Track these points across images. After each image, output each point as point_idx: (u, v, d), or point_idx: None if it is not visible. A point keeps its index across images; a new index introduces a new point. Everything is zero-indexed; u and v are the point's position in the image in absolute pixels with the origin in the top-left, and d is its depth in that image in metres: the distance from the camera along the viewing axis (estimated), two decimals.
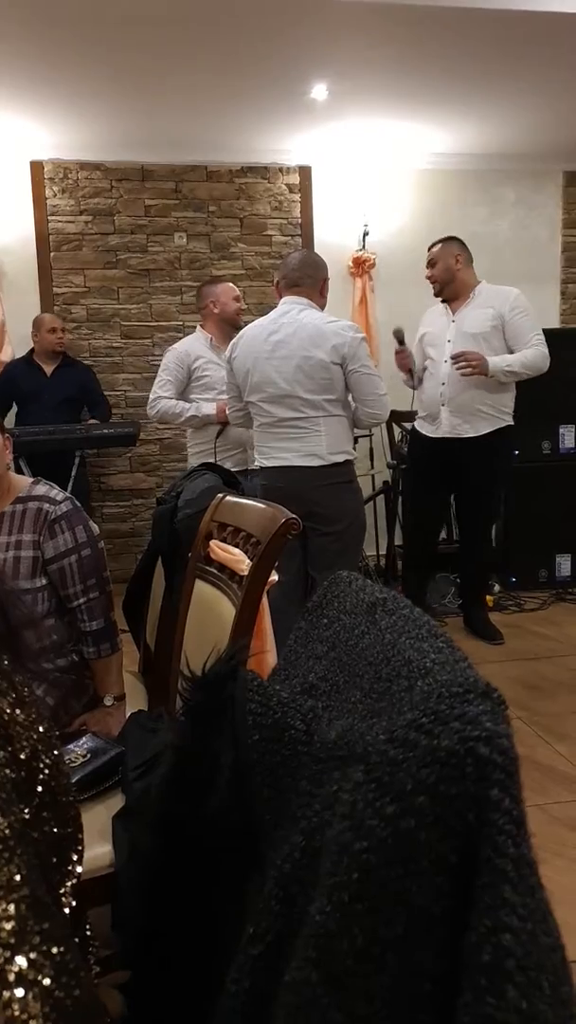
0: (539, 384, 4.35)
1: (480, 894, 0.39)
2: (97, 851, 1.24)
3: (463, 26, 3.42)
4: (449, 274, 3.49)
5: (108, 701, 1.74)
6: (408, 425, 3.99)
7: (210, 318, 3.48)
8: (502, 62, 3.81)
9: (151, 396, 3.43)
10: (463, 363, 3.28)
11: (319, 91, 4.06)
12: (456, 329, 3.47)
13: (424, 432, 3.65)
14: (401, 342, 3.64)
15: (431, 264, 3.55)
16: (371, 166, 5.10)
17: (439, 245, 3.55)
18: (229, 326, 3.37)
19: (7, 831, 0.40)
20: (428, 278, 3.58)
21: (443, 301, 3.59)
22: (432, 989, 0.40)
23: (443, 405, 3.48)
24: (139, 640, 2.24)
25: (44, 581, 1.69)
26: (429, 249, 3.60)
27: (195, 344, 3.45)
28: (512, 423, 3.55)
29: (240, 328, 2.93)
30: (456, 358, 3.32)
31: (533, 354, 3.37)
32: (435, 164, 5.18)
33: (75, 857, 0.62)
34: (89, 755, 1.43)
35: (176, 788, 0.68)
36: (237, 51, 3.60)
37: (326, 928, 0.43)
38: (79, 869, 0.62)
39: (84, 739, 1.49)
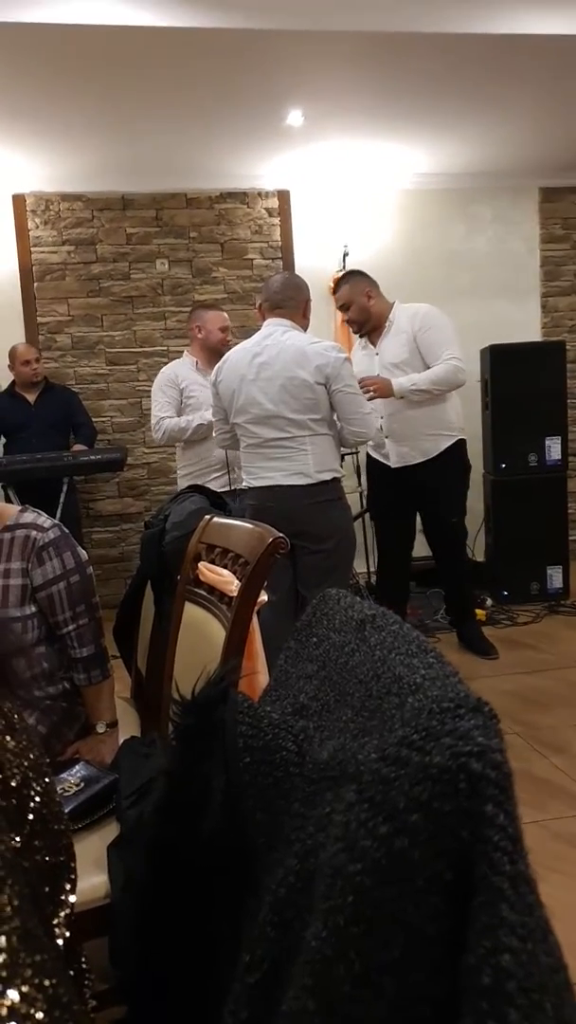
0: (524, 397, 4.41)
1: (477, 913, 0.38)
2: (92, 881, 1.21)
3: (435, 50, 3.49)
4: (365, 313, 3.39)
5: (100, 728, 1.72)
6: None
7: (195, 342, 3.52)
8: (476, 83, 3.87)
9: (153, 421, 3.45)
10: (364, 390, 3.07)
11: (295, 117, 4.12)
12: (380, 363, 3.40)
13: (375, 456, 3.63)
14: None
15: (345, 307, 3.43)
16: (349, 187, 5.16)
17: (345, 286, 3.41)
18: (212, 353, 3.39)
19: None
20: (346, 322, 3.50)
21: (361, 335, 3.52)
22: (432, 1014, 0.39)
23: (387, 438, 3.47)
24: (130, 665, 2.22)
25: (33, 609, 1.67)
26: (334, 290, 3.49)
27: (181, 367, 3.51)
28: (462, 437, 3.51)
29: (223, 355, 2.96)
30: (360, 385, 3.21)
31: (444, 369, 3.25)
32: (413, 184, 5.25)
33: (68, 887, 0.61)
34: (83, 783, 1.41)
35: (168, 813, 0.67)
36: (212, 81, 3.65)
37: (322, 954, 0.42)
38: (72, 899, 0.61)
39: (77, 767, 1.47)
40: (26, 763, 0.55)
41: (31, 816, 0.54)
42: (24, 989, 0.34)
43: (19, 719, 0.60)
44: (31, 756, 0.57)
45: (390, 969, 0.40)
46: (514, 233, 5.46)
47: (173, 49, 3.33)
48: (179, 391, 3.42)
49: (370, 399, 3.09)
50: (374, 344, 3.46)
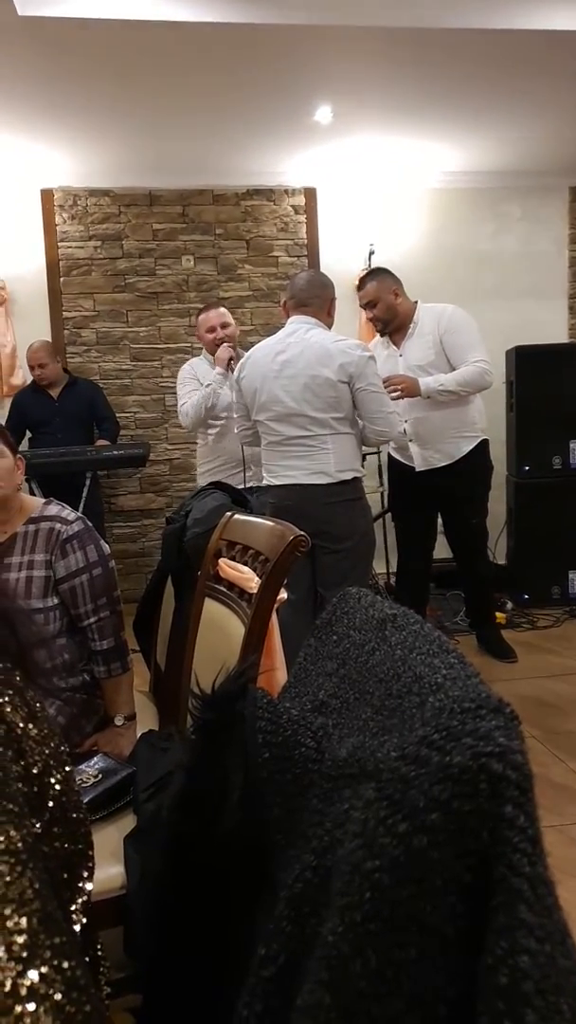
0: (549, 399, 4.37)
1: (495, 914, 0.38)
2: (109, 872, 1.22)
3: (466, 46, 3.46)
4: (391, 311, 3.35)
5: (119, 721, 1.73)
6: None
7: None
8: (508, 80, 3.84)
9: (180, 407, 3.46)
10: (391, 388, 3.08)
11: (323, 113, 4.10)
12: (404, 364, 3.36)
13: (397, 457, 3.59)
14: None
15: (371, 305, 3.38)
16: (376, 185, 5.14)
17: (372, 283, 3.36)
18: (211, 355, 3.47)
19: (20, 844, 0.39)
20: (370, 319, 3.44)
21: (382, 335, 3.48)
22: (448, 1013, 0.39)
23: (411, 441, 3.44)
24: (149, 659, 2.23)
25: (56, 600, 1.69)
26: (360, 287, 3.44)
27: (199, 365, 3.56)
28: (485, 437, 3.48)
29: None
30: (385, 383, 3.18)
31: (472, 372, 3.22)
32: (441, 183, 5.21)
33: (85, 874, 0.61)
34: (100, 775, 1.43)
35: (186, 806, 0.67)
36: (241, 77, 3.65)
37: (339, 949, 0.42)
38: (89, 886, 0.62)
39: (95, 759, 1.48)
40: (47, 751, 0.56)
41: (51, 803, 0.55)
42: (43, 970, 0.35)
43: (40, 708, 0.61)
44: (52, 744, 0.58)
45: (406, 967, 0.40)
46: (543, 233, 5.41)
47: (202, 45, 3.33)
48: (200, 385, 3.45)
49: (396, 398, 3.08)
50: (397, 345, 3.43)
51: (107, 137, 4.30)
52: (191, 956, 0.68)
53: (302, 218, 5.16)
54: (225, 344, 3.39)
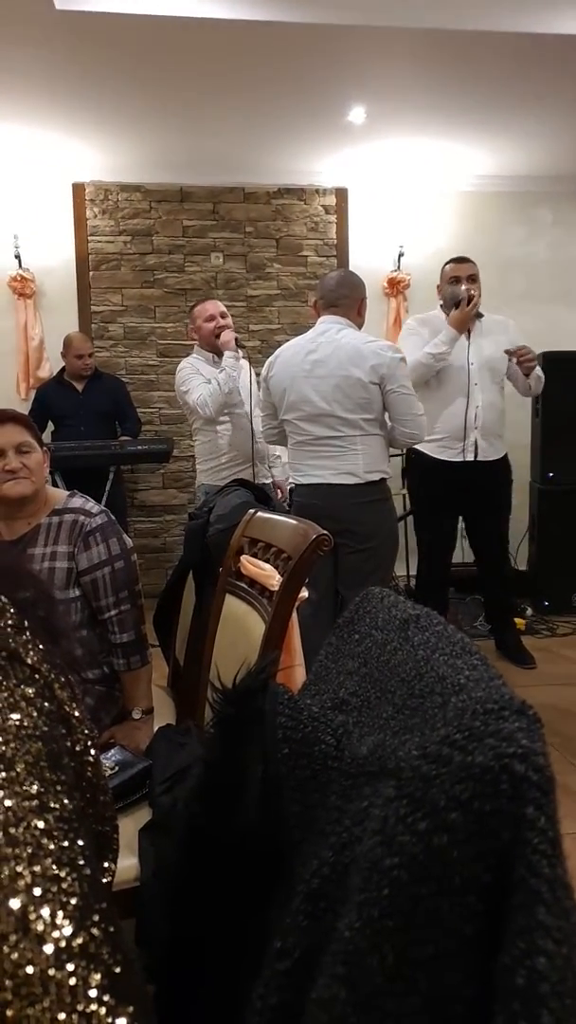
0: (573, 406, 4.34)
1: (513, 915, 0.38)
2: (123, 864, 1.23)
3: (502, 49, 3.44)
4: (481, 293, 3.43)
5: (136, 714, 1.74)
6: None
7: (199, 341, 3.47)
8: (542, 84, 3.82)
9: (193, 400, 3.29)
10: (528, 356, 3.31)
11: (357, 114, 4.10)
12: (476, 352, 3.39)
13: (439, 456, 3.48)
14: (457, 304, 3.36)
15: (473, 279, 3.40)
16: (407, 187, 5.13)
17: (470, 262, 3.45)
18: (213, 345, 3.35)
19: (72, 813, 0.41)
20: (471, 295, 3.33)
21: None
22: (463, 1012, 0.39)
23: (476, 429, 3.43)
24: (168, 654, 2.24)
25: (77, 592, 1.71)
26: (463, 262, 3.45)
27: (198, 363, 3.42)
28: None
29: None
30: (515, 354, 3.35)
31: (542, 377, 3.47)
32: (473, 186, 5.19)
33: (110, 855, 0.63)
34: (117, 767, 1.44)
35: (204, 799, 0.68)
36: (275, 75, 3.66)
37: (356, 945, 0.42)
38: (114, 867, 0.63)
39: (112, 751, 1.49)
40: (86, 731, 0.58)
41: (84, 783, 0.56)
42: (94, 931, 0.36)
43: (78, 692, 0.62)
44: (87, 727, 0.60)
45: (423, 965, 0.40)
46: (574, 239, 5.37)
47: (237, 43, 3.34)
48: (205, 379, 3.35)
49: (529, 368, 3.34)
50: (465, 333, 3.38)
51: (140, 133, 4.33)
52: (205, 948, 0.68)
53: (332, 218, 5.16)
54: (227, 329, 3.34)
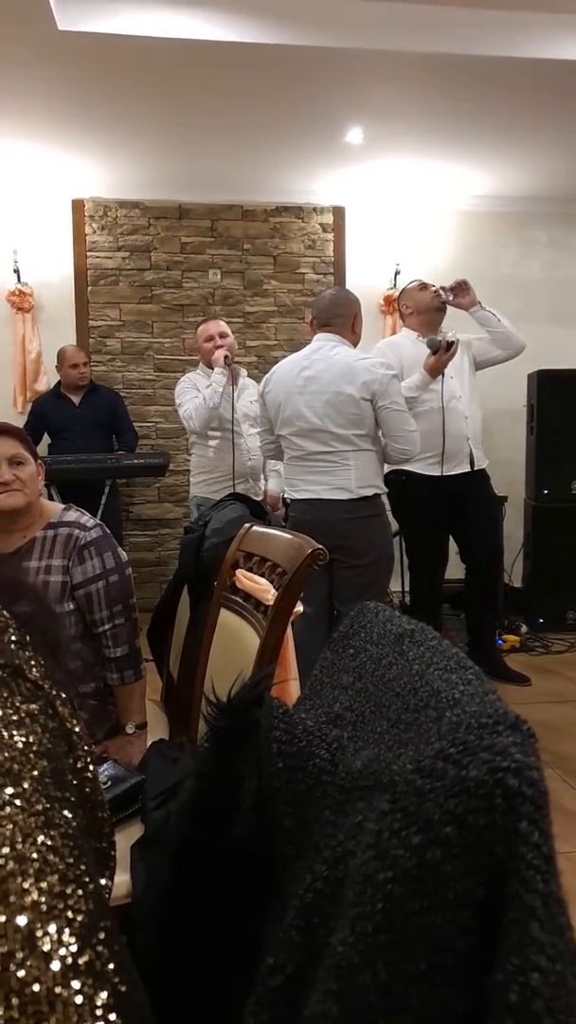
0: (571, 423, 4.36)
1: (507, 931, 0.38)
2: (116, 880, 1.22)
3: (498, 73, 3.49)
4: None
5: (130, 729, 1.74)
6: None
7: (202, 359, 3.64)
8: (538, 107, 3.87)
9: (182, 412, 3.51)
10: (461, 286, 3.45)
11: (354, 135, 4.14)
12: (454, 366, 3.32)
13: (429, 473, 3.40)
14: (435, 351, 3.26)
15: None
16: (404, 206, 5.17)
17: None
18: (208, 366, 3.52)
19: (76, 830, 0.41)
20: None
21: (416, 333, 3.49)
22: None
23: (468, 439, 3.44)
24: (162, 669, 2.24)
25: (72, 606, 1.70)
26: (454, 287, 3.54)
27: (198, 379, 3.57)
28: None
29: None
30: (454, 290, 3.46)
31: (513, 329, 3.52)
32: (469, 206, 5.24)
33: (107, 872, 0.62)
34: (109, 782, 1.43)
35: (197, 813, 0.67)
36: (274, 95, 3.69)
37: (348, 960, 0.42)
38: (111, 884, 0.63)
39: (105, 766, 1.49)
40: (86, 747, 0.58)
41: (84, 800, 0.56)
42: (99, 949, 0.36)
43: (77, 708, 0.62)
44: (87, 744, 0.59)
45: (416, 981, 0.40)
46: (568, 259, 5.42)
47: (238, 64, 3.38)
48: (200, 393, 3.46)
49: (445, 300, 3.42)
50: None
51: (139, 150, 4.37)
52: (197, 965, 0.67)
53: (330, 236, 5.20)
54: (221, 349, 3.45)
